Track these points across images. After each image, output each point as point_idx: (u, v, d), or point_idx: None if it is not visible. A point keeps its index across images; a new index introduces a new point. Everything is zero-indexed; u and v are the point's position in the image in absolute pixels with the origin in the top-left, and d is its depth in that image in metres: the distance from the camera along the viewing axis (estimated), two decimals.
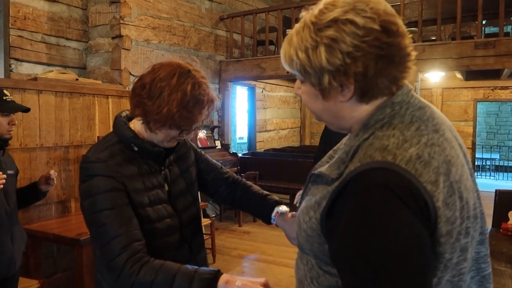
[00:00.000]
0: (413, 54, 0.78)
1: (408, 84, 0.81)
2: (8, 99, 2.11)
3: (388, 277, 0.66)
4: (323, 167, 0.84)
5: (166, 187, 1.27)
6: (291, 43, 0.80)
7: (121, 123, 1.23)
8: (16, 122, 2.16)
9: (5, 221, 2.08)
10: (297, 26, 0.80)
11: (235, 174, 1.52)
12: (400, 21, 0.76)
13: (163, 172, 1.27)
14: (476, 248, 0.82)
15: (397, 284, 0.66)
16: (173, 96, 1.10)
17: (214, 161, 1.50)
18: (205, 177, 1.44)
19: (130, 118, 1.26)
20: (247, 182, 1.49)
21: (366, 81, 0.74)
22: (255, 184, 1.51)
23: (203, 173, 1.44)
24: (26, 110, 2.28)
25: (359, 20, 0.72)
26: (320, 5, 0.77)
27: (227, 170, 1.51)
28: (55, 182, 2.34)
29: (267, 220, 1.37)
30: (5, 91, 2.12)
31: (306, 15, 0.78)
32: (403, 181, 0.69)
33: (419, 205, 0.68)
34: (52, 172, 2.32)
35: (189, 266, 1.08)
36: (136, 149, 1.19)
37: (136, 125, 1.22)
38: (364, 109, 0.79)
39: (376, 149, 0.73)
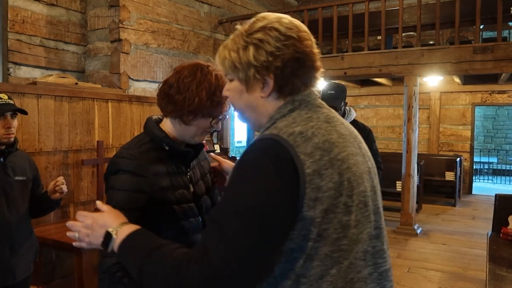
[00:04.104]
0: (321, 69, 0.97)
1: (314, 90, 0.97)
2: (0, 102, 2.01)
3: (234, 228, 0.79)
4: None
5: (191, 188, 1.31)
6: (226, 46, 0.96)
7: (153, 124, 1.29)
8: (13, 125, 2.05)
9: (2, 228, 2.00)
10: (232, 34, 0.96)
11: None
12: (312, 39, 0.95)
13: (189, 173, 1.32)
14: (372, 242, 0.91)
15: (234, 234, 0.78)
16: (201, 87, 1.20)
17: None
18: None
19: (158, 122, 1.32)
20: None
21: (283, 77, 0.91)
22: None
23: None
24: (18, 110, 2.12)
25: (282, 28, 0.90)
26: (253, 19, 0.95)
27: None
28: (66, 189, 2.20)
29: None
30: (0, 95, 2.04)
31: (241, 27, 0.95)
32: (279, 148, 0.82)
33: (289, 169, 0.80)
34: (59, 179, 2.19)
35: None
36: (167, 148, 1.25)
37: (166, 126, 1.29)
38: (276, 105, 0.94)
39: (270, 130, 0.89)
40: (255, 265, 0.81)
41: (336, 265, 0.84)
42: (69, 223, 1.02)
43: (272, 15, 0.94)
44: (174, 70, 1.27)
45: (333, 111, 0.98)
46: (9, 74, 3.97)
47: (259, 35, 0.90)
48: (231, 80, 0.98)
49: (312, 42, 0.94)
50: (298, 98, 0.93)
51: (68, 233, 1.03)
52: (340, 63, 5.67)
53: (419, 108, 5.59)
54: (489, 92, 7.78)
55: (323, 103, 0.98)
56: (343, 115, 2.83)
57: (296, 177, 0.80)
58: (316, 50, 0.95)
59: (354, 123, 2.87)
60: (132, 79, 4.70)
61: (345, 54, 5.71)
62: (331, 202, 0.82)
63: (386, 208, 6.28)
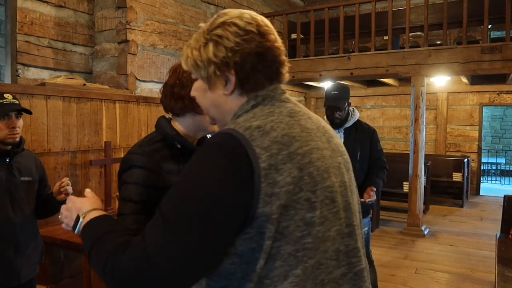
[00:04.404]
0: (287, 64, 0.95)
1: (281, 86, 0.95)
2: (5, 102, 1.98)
3: (179, 216, 0.77)
4: None
5: None
6: (189, 45, 0.95)
7: (164, 122, 1.31)
8: (18, 125, 2.03)
9: (6, 229, 1.98)
10: (196, 33, 0.96)
11: None
12: (275, 34, 0.93)
13: None
14: (345, 240, 0.88)
15: (176, 225, 0.77)
16: None
17: None
18: None
19: (169, 122, 1.34)
20: None
21: (244, 72, 0.89)
22: None
23: None
24: (23, 110, 2.08)
25: (241, 23, 0.89)
26: (215, 15, 0.94)
27: None
28: (71, 190, 2.16)
29: None
30: (5, 95, 2.01)
31: (204, 25, 0.94)
32: (233, 142, 0.80)
33: (242, 163, 0.78)
34: (64, 180, 2.18)
35: None
36: (179, 146, 1.26)
37: (177, 125, 1.31)
38: (240, 102, 0.92)
39: (229, 125, 0.87)
40: (194, 261, 0.77)
41: (300, 264, 0.80)
42: (62, 206, 1.07)
43: (235, 11, 0.93)
44: (170, 72, 1.30)
45: (300, 105, 0.96)
46: (17, 75, 4.00)
47: (218, 31, 0.89)
48: (196, 79, 0.98)
49: (275, 37, 0.93)
50: (262, 93, 0.91)
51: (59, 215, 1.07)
52: (346, 64, 5.66)
53: (426, 109, 5.57)
54: (497, 92, 7.72)
55: (290, 98, 0.95)
56: (347, 115, 2.82)
57: (251, 171, 0.77)
58: (279, 45, 0.93)
59: (358, 123, 2.86)
60: (139, 80, 4.72)
61: (351, 54, 5.70)
62: (291, 198, 0.79)
63: (393, 209, 6.27)
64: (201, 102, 0.98)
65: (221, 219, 0.77)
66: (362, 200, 2.56)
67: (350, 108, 2.87)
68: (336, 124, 2.80)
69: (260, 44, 0.89)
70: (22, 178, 2.08)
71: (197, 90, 0.98)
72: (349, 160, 0.99)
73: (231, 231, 0.79)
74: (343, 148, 0.99)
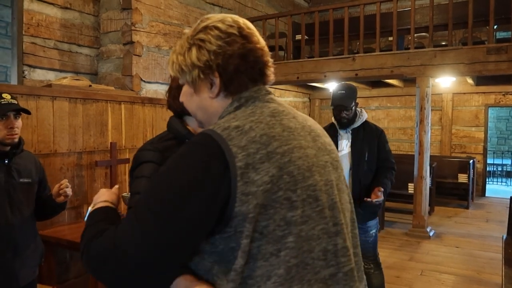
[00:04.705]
0: (271, 65, 0.96)
1: (265, 87, 0.96)
2: (3, 102, 1.94)
3: (151, 210, 0.79)
4: None
5: None
6: (175, 50, 0.97)
7: (176, 121, 1.33)
8: (16, 125, 1.99)
9: (4, 231, 1.95)
10: (181, 39, 0.98)
11: None
12: (258, 36, 0.95)
13: None
14: (332, 240, 0.87)
15: (147, 218, 0.78)
16: None
17: None
18: None
19: (181, 121, 1.37)
20: None
21: (227, 75, 0.90)
22: None
23: None
24: (21, 110, 2.05)
25: (223, 26, 0.91)
26: (199, 20, 0.96)
27: None
28: (70, 192, 2.17)
29: None
30: (3, 95, 1.98)
31: (188, 30, 0.96)
32: (210, 142, 0.81)
33: (217, 162, 0.79)
34: (63, 182, 2.16)
35: None
36: None
37: (188, 124, 1.33)
38: (226, 104, 0.93)
39: (210, 127, 0.87)
40: (160, 252, 0.78)
41: (283, 264, 0.79)
42: None
43: (217, 15, 0.95)
44: (171, 76, 1.30)
45: (285, 105, 0.96)
46: (24, 77, 4.03)
47: (201, 35, 0.91)
48: (182, 84, 1.00)
49: (257, 38, 0.94)
50: (245, 95, 0.92)
51: None
52: (351, 65, 5.65)
53: (431, 110, 5.54)
54: (503, 93, 7.67)
55: (275, 98, 0.96)
56: (354, 116, 2.81)
57: (226, 170, 0.78)
58: (261, 46, 0.94)
59: (366, 124, 2.85)
60: (144, 81, 4.74)
61: (356, 55, 5.69)
62: (269, 197, 0.79)
63: (398, 210, 6.24)
64: (188, 106, 1.00)
65: (192, 216, 0.78)
66: (369, 200, 2.55)
67: (358, 108, 2.86)
68: (343, 124, 2.79)
69: (242, 46, 0.90)
70: (21, 180, 2.05)
71: (184, 94, 0.99)
72: (338, 159, 0.98)
73: (203, 228, 0.80)
74: (332, 147, 0.99)
